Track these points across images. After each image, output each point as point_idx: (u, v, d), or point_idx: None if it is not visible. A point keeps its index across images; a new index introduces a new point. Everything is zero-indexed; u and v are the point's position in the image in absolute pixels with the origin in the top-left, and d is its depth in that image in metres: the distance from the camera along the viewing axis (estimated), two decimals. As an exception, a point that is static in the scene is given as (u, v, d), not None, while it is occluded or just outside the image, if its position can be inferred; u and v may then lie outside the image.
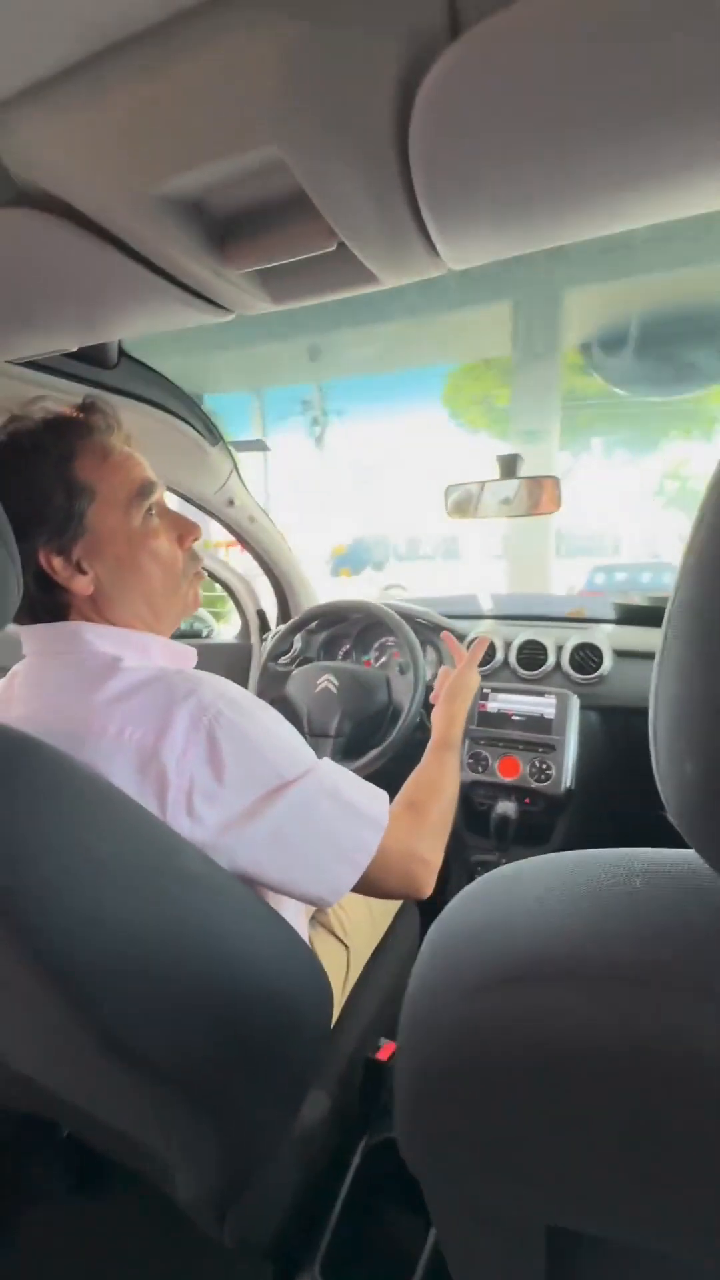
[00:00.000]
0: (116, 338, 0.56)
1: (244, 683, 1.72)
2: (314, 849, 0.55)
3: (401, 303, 4.92)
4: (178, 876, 0.51)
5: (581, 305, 4.83)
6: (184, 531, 0.67)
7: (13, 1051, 0.64)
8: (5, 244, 0.42)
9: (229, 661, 1.74)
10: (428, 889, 0.65)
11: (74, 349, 0.59)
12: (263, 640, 1.68)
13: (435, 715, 0.91)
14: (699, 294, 4.87)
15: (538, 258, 4.50)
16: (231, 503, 1.25)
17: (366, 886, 0.59)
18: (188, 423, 0.97)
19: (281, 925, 0.61)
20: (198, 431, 1.00)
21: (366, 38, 0.27)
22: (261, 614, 1.74)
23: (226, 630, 1.97)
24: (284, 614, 1.71)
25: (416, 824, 0.67)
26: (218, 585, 1.74)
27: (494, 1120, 0.31)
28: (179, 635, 0.75)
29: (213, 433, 1.05)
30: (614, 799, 1.30)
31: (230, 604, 1.79)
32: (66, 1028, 0.50)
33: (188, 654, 0.67)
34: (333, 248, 0.39)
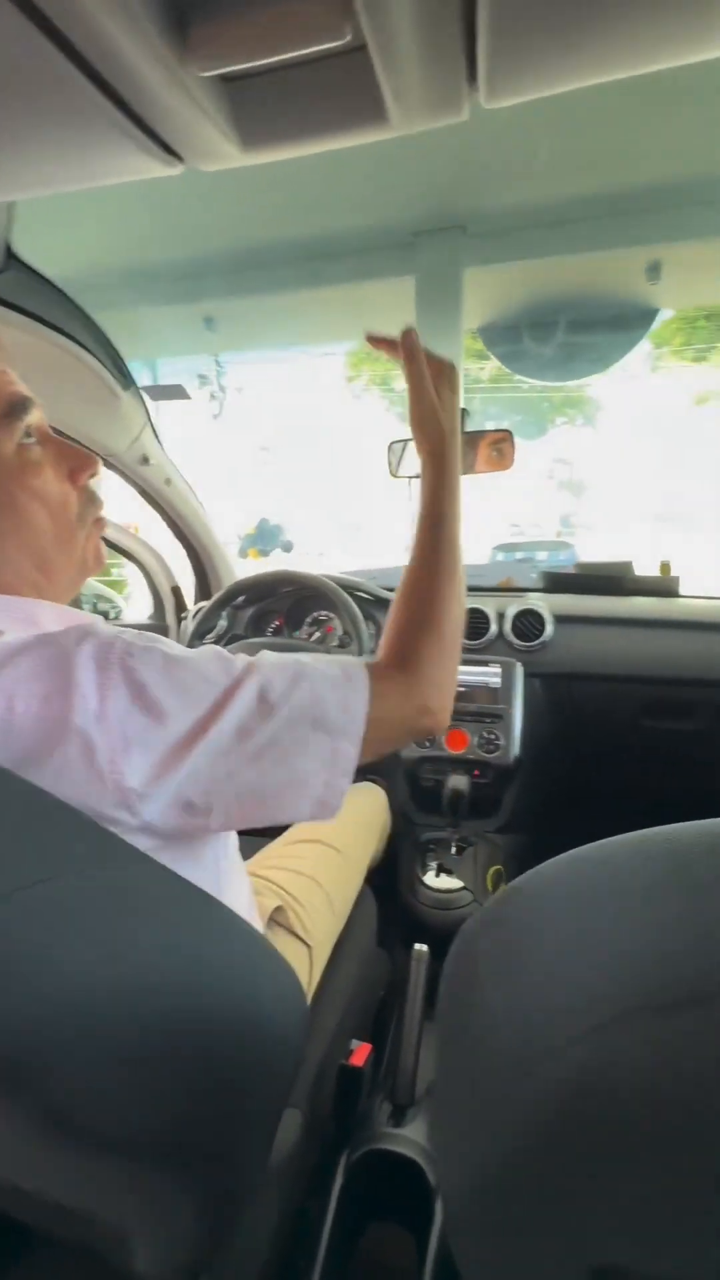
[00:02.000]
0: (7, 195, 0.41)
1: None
2: (288, 757, 0.45)
3: (305, 269, 4.75)
4: (127, 894, 0.40)
5: (481, 286, 4.90)
6: (77, 464, 0.54)
7: None
8: None
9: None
10: (444, 725, 0.55)
11: None
12: (180, 620, 1.53)
13: (421, 430, 0.63)
14: (596, 280, 5.09)
15: (440, 234, 4.49)
16: (146, 460, 1.10)
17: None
18: (95, 356, 0.82)
19: (247, 932, 0.52)
20: (107, 370, 0.85)
21: None
22: (177, 591, 1.59)
23: (133, 609, 1.79)
24: (203, 590, 1.56)
25: (415, 671, 0.53)
26: (124, 562, 1.56)
27: (605, 1171, 0.24)
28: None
29: (124, 374, 0.90)
30: (557, 766, 1.30)
31: (129, 585, 1.63)
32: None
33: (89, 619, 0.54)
34: (343, 41, 0.28)
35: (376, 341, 0.68)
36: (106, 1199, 0.48)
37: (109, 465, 1.08)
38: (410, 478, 1.04)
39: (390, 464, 1.04)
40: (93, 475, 0.55)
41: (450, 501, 0.61)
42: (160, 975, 0.40)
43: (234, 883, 0.60)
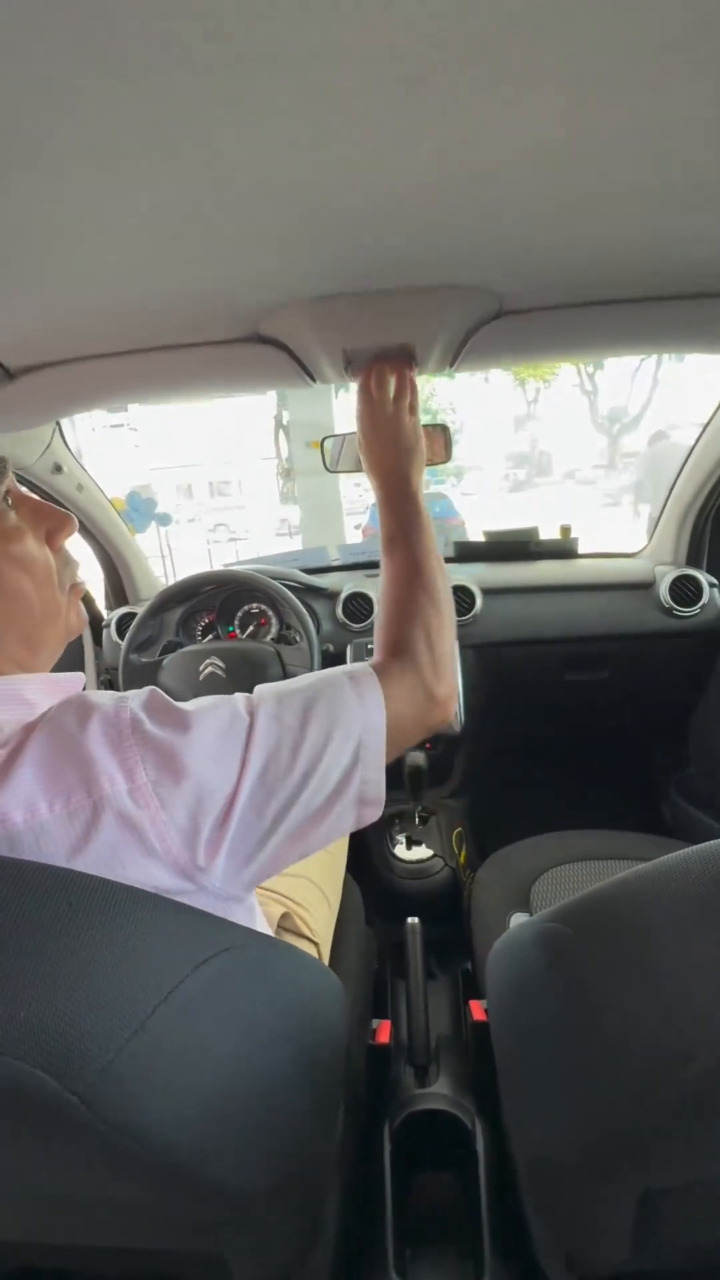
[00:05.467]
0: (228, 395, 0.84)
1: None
2: (323, 777, 0.44)
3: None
4: (238, 966, 0.41)
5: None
6: (53, 525, 0.50)
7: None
8: (232, 363, 0.69)
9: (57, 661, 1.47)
10: (451, 713, 0.57)
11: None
12: (100, 628, 1.44)
13: (371, 459, 0.67)
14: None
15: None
16: (58, 469, 1.00)
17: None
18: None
19: (302, 958, 0.54)
20: (19, 380, 0.76)
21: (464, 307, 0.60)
22: (86, 596, 1.48)
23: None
24: (118, 598, 1.47)
25: (413, 662, 0.53)
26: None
27: (698, 1130, 0.32)
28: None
29: (36, 381, 0.80)
30: (495, 726, 1.41)
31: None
32: (142, 1204, 0.39)
33: (73, 683, 0.50)
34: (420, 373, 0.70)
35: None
36: (208, 1237, 0.50)
37: (20, 480, 0.97)
38: (346, 472, 1.04)
39: (324, 458, 1.03)
40: (69, 534, 0.52)
41: (414, 526, 0.61)
42: (273, 1031, 0.42)
43: (257, 904, 0.61)
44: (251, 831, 0.41)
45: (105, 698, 0.41)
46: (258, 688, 0.47)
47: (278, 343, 0.65)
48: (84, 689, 0.48)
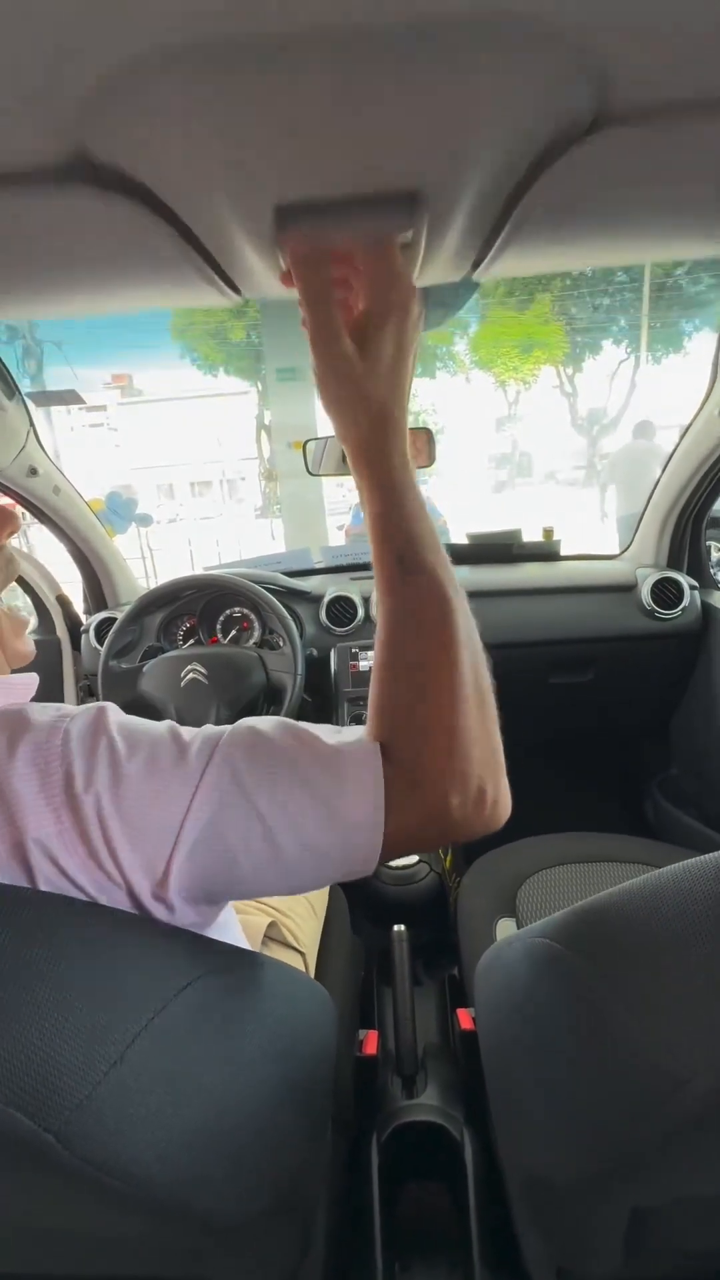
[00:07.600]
0: (111, 311, 0.51)
1: (59, 689, 1.44)
2: (287, 843, 0.36)
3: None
4: (219, 989, 0.40)
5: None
6: None
7: None
8: (57, 220, 0.35)
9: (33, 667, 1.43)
10: (505, 811, 0.40)
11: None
12: (77, 634, 1.41)
13: (336, 407, 0.41)
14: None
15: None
16: (34, 471, 0.98)
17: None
18: (-24, 368, 0.71)
19: (288, 972, 0.53)
20: (-9, 380, 0.74)
21: (526, 101, 0.28)
22: (64, 600, 1.45)
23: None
24: (97, 602, 1.44)
25: (421, 775, 0.37)
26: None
27: (699, 1151, 0.31)
28: None
29: (8, 382, 0.78)
30: None
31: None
32: (126, 1235, 0.38)
33: (24, 684, 0.46)
34: (407, 238, 0.37)
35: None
36: (196, 1262, 0.49)
37: (-7, 483, 0.95)
38: (328, 475, 1.02)
39: (306, 462, 1.02)
40: (13, 532, 0.48)
41: (407, 516, 0.40)
42: (261, 1053, 0.41)
43: (233, 913, 0.59)
44: (196, 885, 0.36)
45: (45, 716, 0.36)
46: (229, 730, 0.38)
47: (132, 184, 0.31)
48: (46, 695, 0.46)
